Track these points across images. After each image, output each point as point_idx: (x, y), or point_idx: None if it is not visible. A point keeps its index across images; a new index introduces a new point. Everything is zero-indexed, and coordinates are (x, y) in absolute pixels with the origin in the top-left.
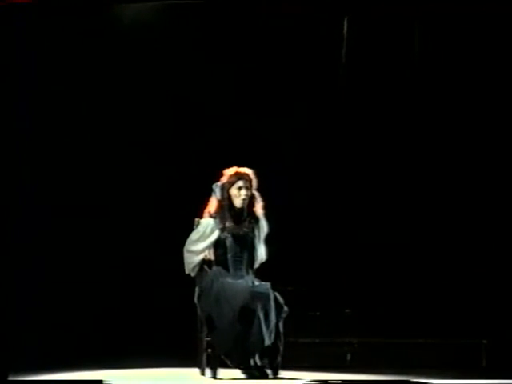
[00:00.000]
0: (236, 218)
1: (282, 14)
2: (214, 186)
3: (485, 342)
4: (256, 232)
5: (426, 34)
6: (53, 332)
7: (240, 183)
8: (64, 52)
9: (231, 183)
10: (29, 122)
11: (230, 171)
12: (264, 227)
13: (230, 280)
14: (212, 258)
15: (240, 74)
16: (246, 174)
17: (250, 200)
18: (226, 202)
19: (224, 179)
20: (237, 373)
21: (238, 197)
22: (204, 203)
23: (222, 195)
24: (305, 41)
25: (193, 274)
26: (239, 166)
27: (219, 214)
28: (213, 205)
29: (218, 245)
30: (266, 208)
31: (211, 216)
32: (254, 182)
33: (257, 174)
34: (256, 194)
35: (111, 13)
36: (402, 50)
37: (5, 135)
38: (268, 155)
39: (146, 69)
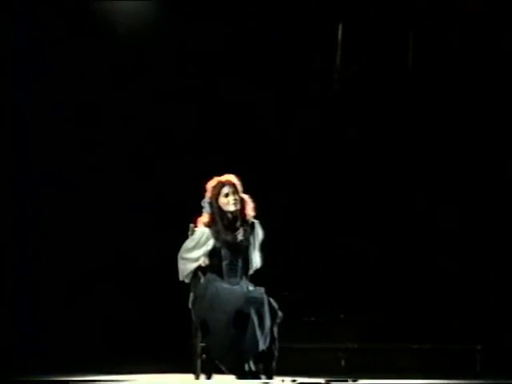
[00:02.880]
0: (230, 227)
1: (280, 16)
2: (202, 203)
3: (479, 347)
4: (251, 239)
5: (420, 40)
6: (52, 334)
7: (225, 190)
8: (63, 51)
9: (217, 194)
10: (26, 120)
11: (211, 183)
12: (259, 234)
13: (224, 285)
14: (207, 262)
15: (238, 73)
16: (228, 180)
17: (241, 204)
18: (217, 214)
19: (208, 193)
20: (231, 378)
21: (228, 204)
22: (198, 210)
23: (212, 209)
24: (301, 44)
25: (187, 281)
26: (232, 172)
27: (213, 227)
28: (205, 218)
29: (212, 253)
30: (257, 209)
31: (206, 226)
32: (239, 186)
33: (249, 179)
34: (245, 196)
35: (110, 11)
36: (396, 55)
37: (4, 135)
38: (262, 160)
39: (143, 69)
